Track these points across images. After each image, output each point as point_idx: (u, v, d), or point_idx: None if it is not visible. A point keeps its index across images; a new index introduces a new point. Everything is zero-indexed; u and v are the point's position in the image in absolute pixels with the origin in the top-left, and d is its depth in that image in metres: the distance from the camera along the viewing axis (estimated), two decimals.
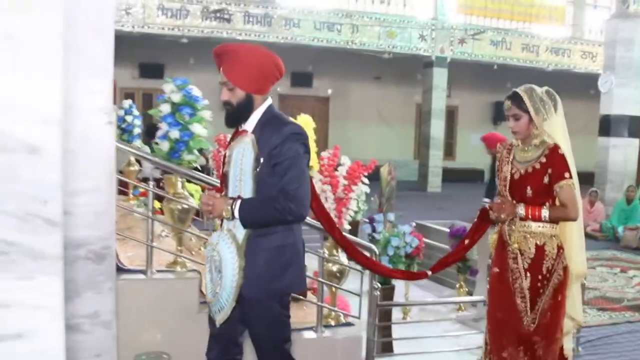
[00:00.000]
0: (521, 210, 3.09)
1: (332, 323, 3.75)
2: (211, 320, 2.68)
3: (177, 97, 3.40)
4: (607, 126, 10.75)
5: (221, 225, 2.63)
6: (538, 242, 3.09)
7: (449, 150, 18.65)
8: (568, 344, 3.34)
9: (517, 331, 3.15)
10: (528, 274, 3.10)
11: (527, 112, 3.11)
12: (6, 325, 1.52)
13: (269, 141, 2.48)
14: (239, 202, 2.48)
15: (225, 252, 2.52)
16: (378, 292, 3.71)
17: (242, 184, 2.52)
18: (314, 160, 3.47)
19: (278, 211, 2.43)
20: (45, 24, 1.50)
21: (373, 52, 15.20)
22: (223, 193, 2.62)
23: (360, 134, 17.32)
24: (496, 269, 3.26)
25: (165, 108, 3.41)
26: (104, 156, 2.62)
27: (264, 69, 2.54)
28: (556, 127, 3.17)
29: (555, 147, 3.09)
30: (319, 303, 3.61)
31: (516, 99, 3.14)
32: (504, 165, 3.24)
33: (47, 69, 1.51)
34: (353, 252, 3.23)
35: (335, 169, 3.80)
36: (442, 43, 15.39)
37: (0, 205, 1.48)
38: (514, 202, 3.14)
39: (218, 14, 13.25)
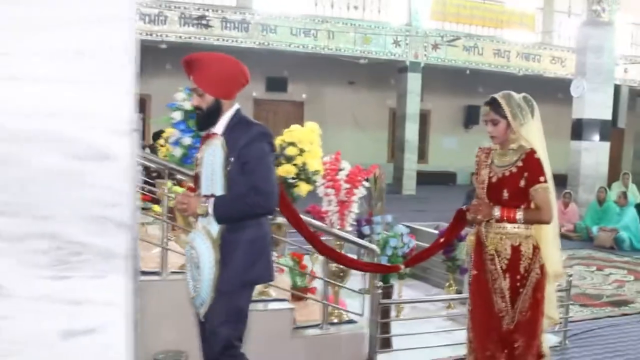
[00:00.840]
0: (497, 212, 3.18)
1: (335, 320, 3.89)
2: (197, 316, 2.85)
3: (188, 105, 3.52)
4: (579, 130, 11.10)
5: (196, 223, 2.79)
6: (514, 243, 3.18)
7: (422, 154, 18.95)
8: (545, 342, 3.44)
9: (497, 330, 3.23)
10: (506, 275, 3.19)
11: (505, 117, 3.20)
12: (79, 321, 1.63)
13: (238, 142, 2.64)
14: (212, 199, 2.63)
15: (202, 247, 2.66)
16: (380, 291, 3.86)
17: (214, 183, 2.68)
18: (319, 165, 3.62)
19: (249, 206, 2.61)
20: (115, 39, 1.62)
21: (349, 57, 15.39)
22: (197, 192, 2.78)
23: (335, 137, 17.43)
24: (475, 271, 3.35)
25: (177, 115, 3.53)
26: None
27: (231, 75, 2.72)
28: (533, 132, 3.26)
29: (532, 152, 3.18)
30: (324, 302, 3.75)
31: (494, 104, 3.24)
32: (482, 169, 3.34)
33: (117, 82, 1.63)
34: (322, 248, 3.45)
35: (337, 174, 3.95)
36: (416, 49, 15.66)
37: (76, 209, 1.60)
38: (491, 204, 3.24)
39: (200, 21, 13.31)
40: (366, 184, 3.90)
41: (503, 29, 16.55)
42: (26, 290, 1.57)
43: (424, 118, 18.79)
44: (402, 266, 3.64)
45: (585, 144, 10.96)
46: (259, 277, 2.81)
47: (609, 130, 11.10)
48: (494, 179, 3.27)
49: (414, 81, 15.74)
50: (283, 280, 4.13)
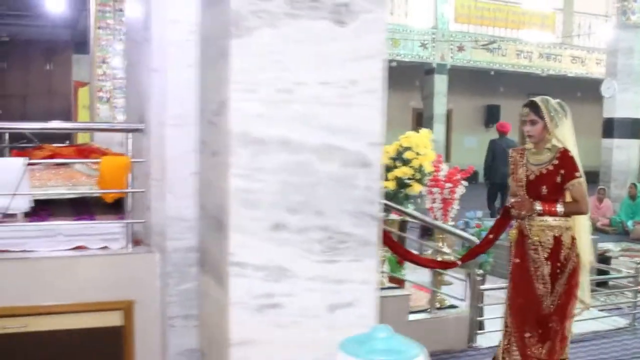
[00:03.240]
0: (538, 207, 3.48)
1: (438, 305, 4.30)
2: None
3: None
4: (611, 128, 11.49)
5: None
6: (556, 234, 3.50)
7: (445, 153, 19.32)
8: (570, 325, 3.70)
9: (537, 313, 3.54)
10: (548, 262, 3.50)
11: (543, 118, 3.52)
12: (343, 296, 2.03)
13: None
14: None
15: None
16: (479, 278, 4.26)
17: None
18: (428, 167, 4.01)
19: None
20: (375, 72, 2.02)
21: None
22: None
23: None
24: (517, 260, 3.63)
25: None
26: None
27: None
28: (566, 134, 3.60)
29: (566, 151, 3.52)
30: (434, 288, 4.15)
31: (534, 106, 3.56)
32: (519, 168, 3.63)
33: (374, 105, 2.02)
34: (389, 242, 3.62)
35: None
36: (442, 51, 16.05)
37: (343, 205, 1.99)
38: (531, 200, 3.53)
39: None
40: (465, 183, 4.29)
41: (525, 30, 16.91)
42: (305, 272, 1.97)
43: (446, 118, 19.16)
44: (459, 262, 4.01)
45: (617, 141, 11.36)
46: None
47: (639, 128, 11.51)
48: (531, 177, 3.58)
49: (440, 82, 16.13)
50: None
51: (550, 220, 3.53)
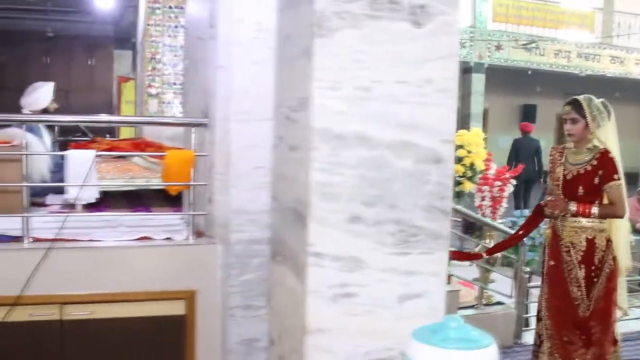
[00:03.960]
0: (573, 207, 3.42)
1: (484, 302, 4.35)
2: None
3: None
4: None
5: None
6: (588, 236, 3.44)
7: None
8: (617, 329, 3.66)
9: (573, 317, 3.49)
10: (581, 265, 3.45)
11: (584, 117, 3.48)
12: (413, 288, 2.10)
13: None
14: None
15: None
16: (526, 275, 4.29)
17: None
18: (480, 165, 4.05)
19: None
20: (449, 72, 2.08)
21: None
22: None
23: None
24: (552, 262, 3.58)
25: None
26: None
27: None
28: (608, 134, 3.54)
29: (606, 152, 3.45)
30: (482, 285, 4.20)
31: (576, 105, 3.52)
32: (557, 167, 3.59)
33: (448, 103, 2.08)
34: None
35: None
36: (480, 50, 15.97)
37: (416, 200, 2.06)
38: (566, 199, 3.47)
39: None
40: (513, 182, 4.33)
41: (563, 30, 16.75)
42: (378, 264, 2.04)
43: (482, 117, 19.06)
44: (484, 254, 4.01)
45: None
46: None
47: None
48: (568, 176, 3.53)
49: (477, 82, 16.07)
50: None
51: (583, 221, 3.48)
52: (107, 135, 7.24)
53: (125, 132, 7.93)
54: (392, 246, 2.05)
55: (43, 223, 3.25)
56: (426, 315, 2.10)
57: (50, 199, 4.33)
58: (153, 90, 6.46)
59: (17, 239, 3.14)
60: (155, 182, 4.06)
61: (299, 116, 2.01)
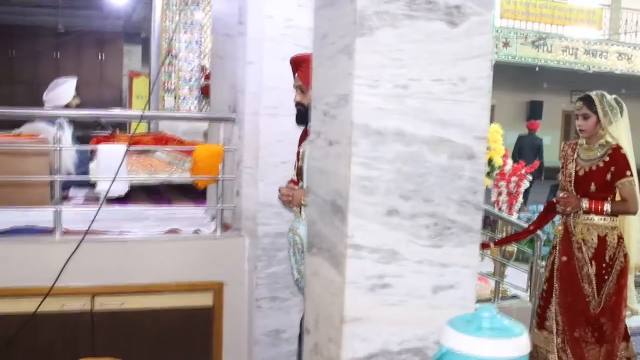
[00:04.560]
0: (585, 204, 3.44)
1: (500, 296, 4.42)
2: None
3: None
4: None
5: (300, 212, 2.89)
6: (600, 234, 3.47)
7: None
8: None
9: (585, 314, 3.53)
10: (593, 262, 3.49)
11: (596, 113, 3.49)
12: (446, 279, 2.16)
13: None
14: None
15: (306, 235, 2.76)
16: (543, 270, 4.36)
17: None
18: (498, 161, 4.12)
19: None
20: (483, 70, 2.14)
21: None
22: (300, 185, 2.89)
23: None
24: (564, 258, 3.62)
25: None
26: None
27: None
28: (621, 131, 3.56)
29: (618, 148, 3.48)
30: (497, 279, 4.27)
31: (588, 101, 3.55)
32: (569, 163, 3.60)
33: (480, 101, 2.15)
34: None
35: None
36: None
37: (450, 194, 2.13)
38: (578, 196, 3.50)
39: None
40: (530, 177, 4.40)
41: (571, 27, 16.77)
42: (413, 256, 2.11)
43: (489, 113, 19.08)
44: (492, 244, 4.04)
45: None
46: None
47: None
48: (581, 173, 3.56)
49: None
50: None
51: (596, 219, 3.50)
52: (117, 130, 7.30)
53: (137, 127, 7.97)
54: (427, 239, 2.11)
55: (73, 216, 3.33)
56: (458, 306, 2.17)
57: (73, 192, 4.43)
58: (170, 86, 6.53)
59: (47, 231, 3.23)
60: (178, 176, 4.14)
61: (338, 112, 2.08)
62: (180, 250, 3.24)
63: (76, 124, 4.84)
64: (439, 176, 2.10)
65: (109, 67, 13.08)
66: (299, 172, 2.88)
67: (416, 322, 2.13)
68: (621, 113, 3.59)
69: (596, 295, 3.53)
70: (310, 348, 2.33)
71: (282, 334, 3.24)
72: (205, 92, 6.58)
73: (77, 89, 4.98)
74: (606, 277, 3.51)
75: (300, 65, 2.79)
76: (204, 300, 3.22)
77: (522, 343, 1.94)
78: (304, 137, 2.90)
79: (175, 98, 6.48)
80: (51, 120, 4.45)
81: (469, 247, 2.18)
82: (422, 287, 2.13)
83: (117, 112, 3.90)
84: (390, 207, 2.05)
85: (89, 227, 3.02)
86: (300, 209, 2.85)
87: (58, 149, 3.19)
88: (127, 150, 3.16)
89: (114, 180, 3.06)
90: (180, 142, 4.49)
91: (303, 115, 2.83)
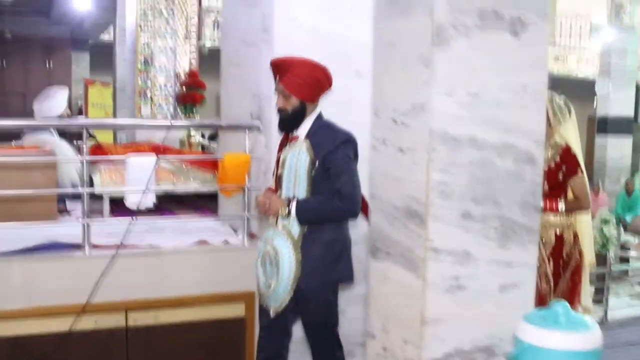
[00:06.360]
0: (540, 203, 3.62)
1: None
2: (263, 312, 2.81)
3: None
4: (605, 126, 11.98)
5: (276, 222, 2.75)
6: (557, 232, 3.54)
7: None
8: None
9: None
10: (550, 260, 3.54)
11: (546, 114, 3.67)
12: (511, 278, 2.26)
13: (324, 146, 2.67)
14: (295, 202, 2.66)
15: (282, 246, 2.68)
16: None
17: (296, 185, 2.70)
18: None
19: (333, 210, 2.65)
20: (540, 77, 2.25)
21: None
22: (277, 193, 2.78)
23: None
24: None
25: None
26: None
27: (318, 80, 2.71)
28: (570, 131, 3.64)
29: (567, 148, 3.57)
30: None
31: None
32: None
33: (538, 107, 2.26)
34: None
35: None
36: None
37: (514, 197, 2.23)
38: None
39: None
40: None
41: None
42: (483, 256, 2.20)
43: None
44: None
45: (611, 139, 11.85)
46: (341, 277, 2.80)
47: (632, 126, 12.03)
48: None
49: None
50: None
51: (551, 217, 3.58)
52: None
53: (107, 137, 7.80)
54: (495, 240, 2.21)
55: (98, 229, 3.24)
56: (521, 304, 2.27)
57: (70, 205, 4.30)
58: (147, 93, 6.43)
59: (72, 246, 3.14)
60: (195, 185, 4.09)
61: (411, 120, 2.14)
62: (211, 261, 3.22)
63: (62, 134, 4.70)
64: (505, 180, 2.20)
65: (57, 75, 12.67)
66: (278, 180, 2.79)
67: (485, 320, 2.22)
68: (569, 113, 3.70)
69: (552, 293, 3.60)
70: (377, 352, 2.38)
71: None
72: (180, 99, 6.51)
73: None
74: (562, 274, 3.60)
75: (286, 70, 2.70)
76: (235, 310, 3.19)
77: (596, 335, 2.06)
78: (284, 143, 2.83)
79: (152, 105, 6.40)
80: (42, 130, 4.33)
81: (529, 247, 2.28)
82: (491, 286, 2.22)
83: (141, 121, 3.80)
84: (464, 210, 2.13)
85: (122, 240, 2.96)
86: (277, 218, 2.73)
87: (84, 160, 3.12)
88: (157, 162, 3.11)
89: (144, 192, 3.02)
90: (180, 152, 4.44)
91: (286, 121, 2.76)
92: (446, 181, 2.09)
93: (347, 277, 2.82)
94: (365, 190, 2.59)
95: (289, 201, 2.68)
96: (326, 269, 2.71)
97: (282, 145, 2.83)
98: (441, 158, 2.07)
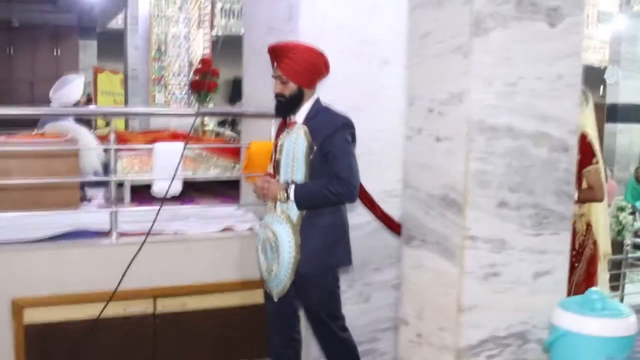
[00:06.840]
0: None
1: None
2: (268, 298, 2.88)
3: None
4: (614, 113, 11.95)
5: (275, 207, 2.79)
6: None
7: None
8: None
9: None
10: None
11: None
12: (544, 265, 2.28)
13: (321, 131, 2.69)
14: (293, 186, 2.69)
15: (281, 231, 2.72)
16: None
17: (294, 170, 2.73)
18: None
19: (332, 194, 2.66)
20: (575, 68, 2.26)
21: None
22: (276, 178, 2.81)
23: None
24: None
25: None
26: None
27: (315, 66, 2.73)
28: (587, 119, 3.60)
29: (583, 137, 3.50)
30: None
31: None
32: None
33: (571, 97, 2.26)
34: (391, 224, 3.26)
35: None
36: None
37: (549, 185, 2.24)
38: None
39: None
40: None
41: None
42: (518, 244, 2.22)
43: None
44: None
45: (620, 126, 11.84)
46: (340, 262, 2.84)
47: None
48: None
49: None
50: None
51: None
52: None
53: (120, 124, 7.82)
54: (530, 228, 2.23)
55: (124, 217, 3.27)
56: (554, 291, 2.30)
57: (90, 192, 4.32)
58: (160, 81, 6.44)
59: (98, 233, 3.17)
60: (201, 172, 4.12)
61: (449, 109, 2.16)
62: (237, 248, 3.25)
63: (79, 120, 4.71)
64: (540, 168, 2.22)
65: (65, 62, 12.65)
66: (276, 165, 2.82)
67: (519, 307, 2.25)
68: (586, 102, 3.66)
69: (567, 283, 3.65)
70: (410, 339, 2.41)
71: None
72: (194, 86, 6.52)
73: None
74: (576, 265, 3.57)
75: (284, 56, 2.70)
76: (261, 297, 3.23)
77: (632, 321, 2.09)
78: (282, 128, 2.85)
79: (166, 93, 6.41)
80: (62, 118, 4.35)
81: (563, 234, 2.31)
82: (525, 273, 2.25)
83: (169, 109, 3.81)
84: (501, 199, 2.15)
85: (150, 228, 2.98)
86: (275, 203, 2.77)
87: (112, 149, 3.14)
88: (184, 149, 3.12)
89: (172, 179, 3.03)
90: (199, 139, 4.44)
91: (283, 107, 2.77)
92: (484, 170, 2.11)
93: (346, 261, 2.86)
94: (398, 178, 2.61)
95: (287, 186, 2.72)
96: (325, 254, 2.76)
97: (280, 131, 2.86)
98: (479, 147, 2.09)
